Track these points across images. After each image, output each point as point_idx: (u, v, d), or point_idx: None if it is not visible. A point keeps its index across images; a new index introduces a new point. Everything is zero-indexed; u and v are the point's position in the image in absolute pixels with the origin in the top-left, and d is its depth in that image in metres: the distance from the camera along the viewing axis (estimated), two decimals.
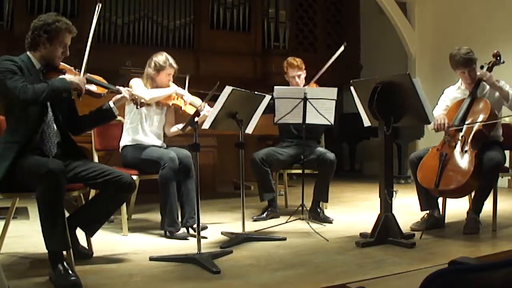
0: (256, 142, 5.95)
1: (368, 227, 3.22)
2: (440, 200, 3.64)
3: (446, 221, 3.68)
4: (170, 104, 3.63)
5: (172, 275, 2.47)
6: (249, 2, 8.15)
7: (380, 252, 2.89)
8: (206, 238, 3.27)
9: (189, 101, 3.65)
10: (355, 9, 9.35)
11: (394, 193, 3.13)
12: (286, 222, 3.74)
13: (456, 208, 4.14)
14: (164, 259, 2.71)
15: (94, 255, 2.78)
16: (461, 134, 3.37)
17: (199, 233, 2.72)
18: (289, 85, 4.16)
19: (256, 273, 2.49)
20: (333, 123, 3.79)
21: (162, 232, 3.37)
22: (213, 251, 2.88)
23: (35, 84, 2.43)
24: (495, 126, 3.46)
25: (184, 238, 3.27)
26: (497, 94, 3.47)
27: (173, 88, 3.63)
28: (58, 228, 2.29)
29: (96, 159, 3.62)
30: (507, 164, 3.64)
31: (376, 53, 8.70)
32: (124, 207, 3.30)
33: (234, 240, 3.14)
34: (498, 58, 3.57)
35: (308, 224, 3.61)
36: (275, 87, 3.83)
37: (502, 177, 3.62)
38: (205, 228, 3.43)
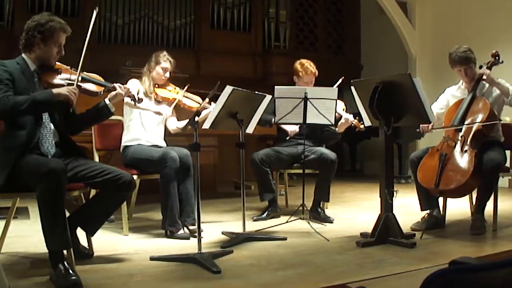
0: (256, 142, 5.94)
1: (368, 227, 3.22)
2: (440, 200, 3.64)
3: (446, 221, 3.68)
4: (170, 98, 3.62)
5: (173, 275, 2.47)
6: (249, 2, 8.15)
7: (381, 252, 2.89)
8: (202, 237, 3.24)
9: (185, 95, 3.65)
10: (355, 9, 9.35)
11: (394, 193, 3.13)
12: (287, 222, 3.74)
13: (457, 208, 4.14)
14: (164, 259, 2.71)
15: (95, 254, 2.78)
16: (460, 134, 3.38)
17: (199, 233, 2.72)
18: (289, 85, 4.15)
19: (257, 273, 2.49)
20: (333, 122, 3.78)
21: (163, 231, 3.37)
22: (214, 251, 2.88)
23: (17, 95, 2.41)
24: (495, 126, 3.46)
25: (185, 238, 3.27)
26: (495, 92, 3.48)
27: (160, 109, 3.61)
28: (58, 228, 2.29)
29: (96, 159, 3.62)
30: (507, 164, 3.64)
31: (376, 53, 8.70)
32: (124, 206, 3.30)
33: (235, 240, 3.15)
34: (497, 58, 3.58)
35: (309, 224, 3.61)
36: (275, 87, 3.82)
37: (502, 177, 3.62)
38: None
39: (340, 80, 4.06)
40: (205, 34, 7.87)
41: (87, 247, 2.78)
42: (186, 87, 3.64)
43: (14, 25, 6.62)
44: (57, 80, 2.62)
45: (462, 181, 3.18)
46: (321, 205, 4.03)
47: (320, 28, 9.03)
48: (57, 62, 2.68)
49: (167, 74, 3.67)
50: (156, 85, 3.67)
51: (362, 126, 3.83)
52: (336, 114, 3.79)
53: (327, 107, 3.72)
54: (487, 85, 3.51)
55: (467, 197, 3.82)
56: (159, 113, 3.61)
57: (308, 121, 3.74)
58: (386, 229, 3.09)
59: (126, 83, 3.54)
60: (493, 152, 3.30)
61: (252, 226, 3.69)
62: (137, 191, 3.63)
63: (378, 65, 8.30)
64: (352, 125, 3.99)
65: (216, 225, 3.76)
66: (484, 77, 3.42)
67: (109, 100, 2.78)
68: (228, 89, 3.05)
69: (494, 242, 3.22)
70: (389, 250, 2.93)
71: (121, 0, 7.27)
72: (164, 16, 7.54)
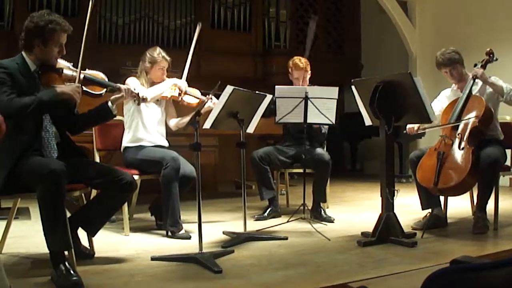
0: (257, 142, 5.94)
1: (369, 227, 3.22)
2: (441, 199, 3.64)
3: (447, 220, 3.67)
4: (168, 96, 3.61)
5: (174, 275, 2.47)
6: (249, 1, 8.14)
7: (382, 251, 2.89)
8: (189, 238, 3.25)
9: (187, 91, 3.64)
10: (355, 8, 9.34)
11: (395, 192, 3.13)
12: (288, 221, 3.74)
13: (458, 207, 4.14)
14: (165, 258, 2.71)
15: (96, 255, 2.78)
16: (457, 131, 3.38)
17: (200, 233, 2.71)
18: (290, 85, 4.16)
19: (258, 273, 2.49)
20: (334, 122, 3.78)
21: (164, 232, 3.37)
22: (215, 250, 2.88)
23: (23, 96, 2.38)
24: (491, 123, 3.45)
25: (186, 237, 3.27)
26: (489, 90, 3.48)
27: (172, 81, 3.61)
28: (59, 228, 2.29)
29: (97, 159, 3.62)
30: (508, 163, 3.64)
31: (377, 52, 8.69)
32: (125, 207, 3.30)
33: (236, 240, 3.15)
34: (491, 55, 3.58)
35: (310, 223, 3.61)
36: (276, 86, 3.83)
37: (503, 176, 3.62)
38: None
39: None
40: (205, 34, 7.84)
41: (88, 247, 2.78)
42: (186, 69, 3.63)
43: (14, 25, 6.60)
44: (59, 80, 2.60)
45: (461, 178, 3.18)
46: (321, 205, 4.03)
47: (320, 27, 9.00)
48: (58, 60, 2.64)
49: (165, 72, 3.66)
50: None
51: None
52: None
53: (328, 107, 3.73)
54: (480, 83, 3.52)
55: (467, 196, 3.83)
56: (165, 97, 3.59)
57: (308, 121, 3.74)
58: (387, 229, 3.09)
59: (123, 82, 3.54)
60: (490, 148, 3.31)
61: (253, 225, 3.69)
62: (138, 191, 3.62)
63: (378, 64, 8.29)
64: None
65: (217, 225, 3.76)
66: (478, 76, 3.42)
67: (112, 102, 2.76)
68: (229, 89, 3.05)
69: (495, 241, 3.22)
70: (390, 249, 2.93)
71: (121, 0, 7.26)
72: (164, 16, 7.53)
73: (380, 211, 3.17)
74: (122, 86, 2.82)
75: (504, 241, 3.14)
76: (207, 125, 3.13)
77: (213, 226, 3.69)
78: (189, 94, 3.65)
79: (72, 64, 2.69)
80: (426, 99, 3.06)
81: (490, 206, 3.41)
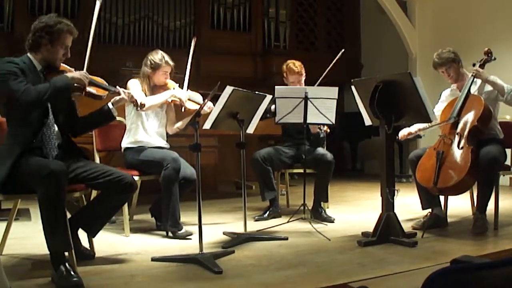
0: (257, 142, 5.95)
1: (369, 226, 3.22)
2: (441, 198, 3.64)
3: (447, 219, 3.67)
4: (170, 100, 3.60)
5: (174, 275, 2.48)
6: (249, 2, 8.15)
7: (382, 251, 2.89)
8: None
9: (189, 98, 3.63)
10: (355, 8, 9.35)
11: (395, 192, 3.13)
12: (288, 221, 3.74)
13: (458, 207, 4.14)
14: (166, 259, 2.71)
15: (96, 255, 2.78)
16: (456, 131, 3.38)
17: (200, 234, 2.72)
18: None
19: (258, 273, 2.49)
20: (334, 122, 3.78)
21: (164, 232, 3.37)
22: (215, 251, 2.88)
23: (36, 85, 2.43)
24: (491, 122, 3.45)
25: (188, 235, 3.27)
26: (487, 89, 3.48)
27: (171, 92, 3.58)
28: (60, 229, 2.29)
29: (97, 160, 3.62)
30: (508, 162, 3.64)
31: (376, 52, 8.69)
32: (126, 207, 3.30)
33: (236, 240, 3.15)
34: (490, 55, 3.58)
35: (310, 223, 3.61)
36: (276, 86, 3.83)
37: (503, 176, 3.61)
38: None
39: (340, 53, 4.10)
40: (205, 34, 7.86)
41: (89, 248, 2.78)
42: (186, 79, 3.61)
43: (14, 27, 6.62)
44: None
45: (460, 177, 3.18)
46: (322, 205, 4.03)
47: (320, 27, 9.02)
48: (61, 64, 2.68)
49: (168, 76, 3.65)
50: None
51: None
52: None
53: (328, 107, 3.73)
54: (478, 82, 3.52)
55: (467, 196, 3.82)
56: (167, 102, 3.58)
57: (308, 121, 3.74)
58: (387, 228, 3.09)
59: (126, 84, 3.55)
60: (489, 146, 3.31)
61: (253, 226, 3.69)
62: (138, 192, 3.62)
63: (378, 64, 8.30)
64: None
65: (217, 225, 3.76)
66: (478, 75, 3.42)
67: (113, 104, 2.78)
68: (229, 89, 3.05)
69: (495, 241, 3.21)
70: (390, 249, 2.93)
71: (121, 0, 7.27)
72: (164, 16, 7.54)
73: (380, 211, 3.17)
74: (122, 91, 2.82)
75: (504, 241, 3.14)
76: (207, 125, 3.13)
77: (213, 226, 3.69)
78: (190, 100, 3.64)
79: (74, 69, 2.70)
80: (426, 99, 3.06)
81: (490, 206, 3.41)
